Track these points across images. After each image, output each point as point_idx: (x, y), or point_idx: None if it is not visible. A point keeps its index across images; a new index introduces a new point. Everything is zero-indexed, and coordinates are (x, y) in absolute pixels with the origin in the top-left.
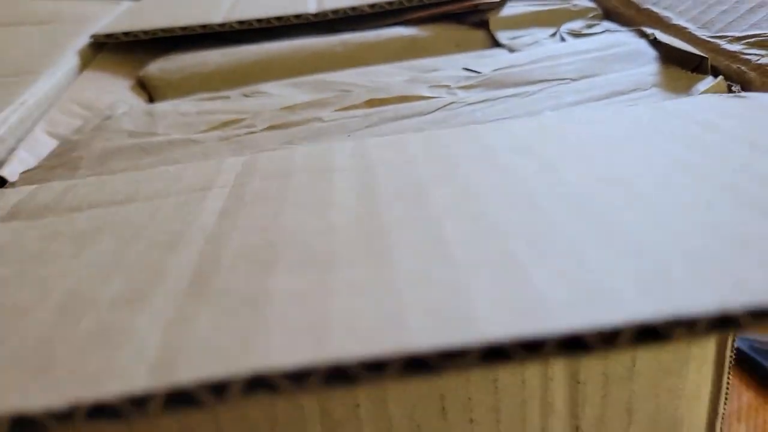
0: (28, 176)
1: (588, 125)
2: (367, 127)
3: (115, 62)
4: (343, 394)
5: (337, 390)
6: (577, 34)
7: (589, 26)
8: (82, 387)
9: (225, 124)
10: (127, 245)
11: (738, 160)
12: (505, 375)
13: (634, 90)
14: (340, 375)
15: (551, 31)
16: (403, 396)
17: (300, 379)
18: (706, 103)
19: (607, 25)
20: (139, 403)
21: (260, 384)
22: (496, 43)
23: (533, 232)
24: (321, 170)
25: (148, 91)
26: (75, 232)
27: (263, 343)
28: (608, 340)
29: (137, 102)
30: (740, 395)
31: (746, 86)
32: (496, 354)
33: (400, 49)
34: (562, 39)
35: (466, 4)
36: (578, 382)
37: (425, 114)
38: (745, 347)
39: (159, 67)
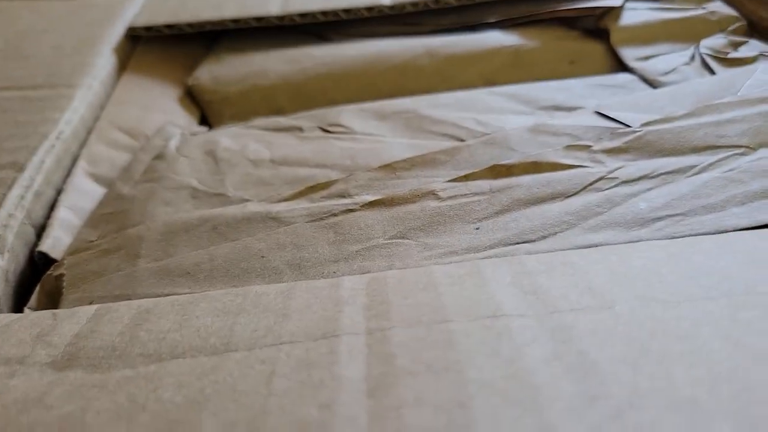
0: (78, 261)
1: None
2: (497, 214)
3: (156, 62)
4: None
5: None
6: (722, 59)
7: (735, 45)
8: None
9: (311, 189)
10: None
11: None
12: None
13: None
14: None
15: (687, 49)
16: None
17: None
18: None
19: (757, 44)
20: None
21: None
22: (619, 61)
23: None
24: (484, 316)
25: (199, 105)
26: (163, 409)
27: None
28: None
29: (188, 122)
30: None
31: None
32: None
33: (500, 66)
34: (704, 62)
35: (581, 6)
36: None
37: (570, 196)
38: None
39: (211, 75)
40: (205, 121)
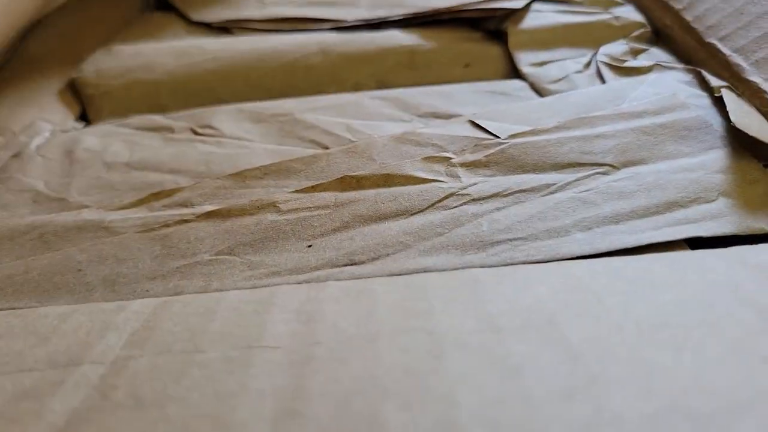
0: None
1: (632, 297)
2: (334, 231)
3: (45, 53)
4: None
5: None
6: (617, 67)
7: (635, 52)
8: None
9: (155, 196)
10: None
11: None
12: None
13: (695, 201)
14: None
15: (585, 55)
16: None
17: None
18: None
19: (656, 53)
20: None
21: None
22: (515, 66)
23: None
24: (237, 347)
25: (81, 99)
26: None
27: None
28: None
29: (64, 118)
30: None
31: None
32: None
33: (393, 66)
34: (598, 71)
35: (482, 8)
36: None
37: (414, 213)
38: None
39: (96, 67)
40: (84, 118)
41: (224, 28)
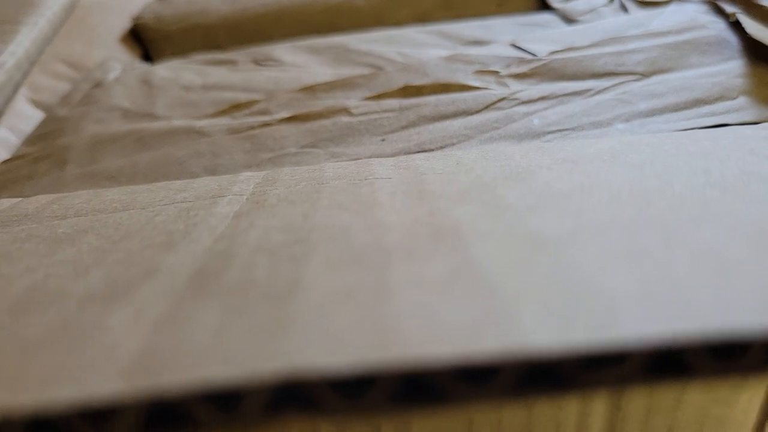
0: (10, 168)
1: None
2: (403, 128)
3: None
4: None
5: (408, 410)
6: (640, 1)
7: None
8: (22, 392)
9: (235, 108)
10: (114, 245)
11: None
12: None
13: (719, 99)
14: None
15: None
16: (428, 421)
17: (356, 389)
18: None
19: None
20: (101, 416)
21: (290, 396)
22: (544, 2)
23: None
24: (359, 178)
25: (143, 43)
26: (54, 235)
27: (297, 342)
28: None
29: (130, 59)
30: None
31: None
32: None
33: (431, 7)
34: (622, 4)
35: None
36: (619, 410)
37: (472, 114)
38: None
39: (155, 14)
40: (147, 59)
41: None
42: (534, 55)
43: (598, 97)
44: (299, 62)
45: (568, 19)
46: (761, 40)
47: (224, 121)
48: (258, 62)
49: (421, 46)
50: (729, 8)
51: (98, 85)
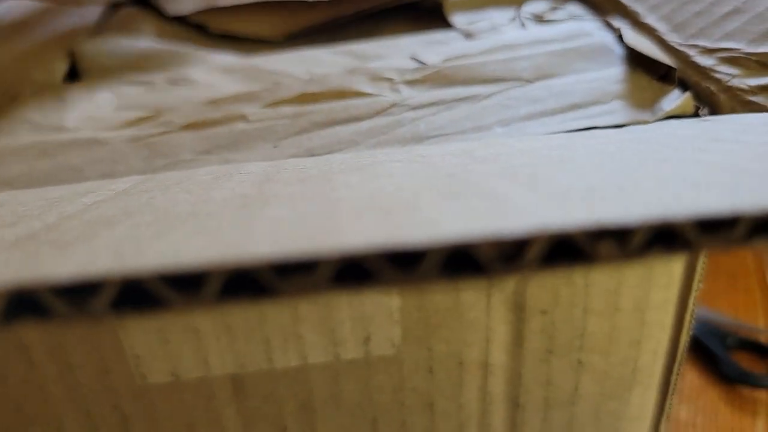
0: None
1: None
2: (296, 134)
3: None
4: (268, 413)
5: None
6: (539, 19)
7: (554, 9)
8: None
9: (140, 120)
10: None
11: None
12: (442, 398)
13: (595, 103)
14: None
15: (511, 13)
16: (334, 418)
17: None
18: (667, 130)
19: (572, 9)
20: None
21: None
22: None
23: None
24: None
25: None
26: None
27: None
28: None
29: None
30: (684, 375)
31: (714, 108)
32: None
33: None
34: (521, 24)
35: None
36: (518, 405)
37: (363, 120)
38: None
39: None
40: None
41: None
42: (426, 63)
43: (484, 102)
44: (212, 82)
45: (471, 36)
46: (635, 48)
47: (128, 132)
48: (173, 82)
49: (331, 66)
50: (617, 23)
51: (14, 98)
